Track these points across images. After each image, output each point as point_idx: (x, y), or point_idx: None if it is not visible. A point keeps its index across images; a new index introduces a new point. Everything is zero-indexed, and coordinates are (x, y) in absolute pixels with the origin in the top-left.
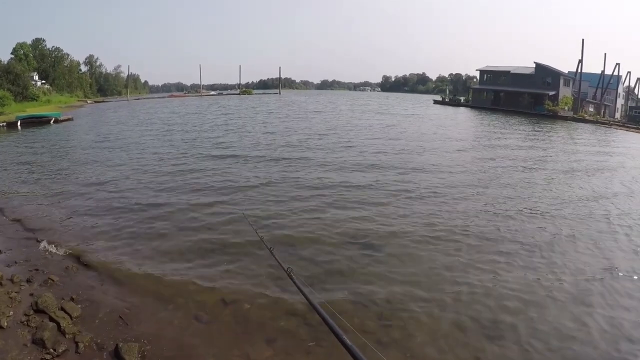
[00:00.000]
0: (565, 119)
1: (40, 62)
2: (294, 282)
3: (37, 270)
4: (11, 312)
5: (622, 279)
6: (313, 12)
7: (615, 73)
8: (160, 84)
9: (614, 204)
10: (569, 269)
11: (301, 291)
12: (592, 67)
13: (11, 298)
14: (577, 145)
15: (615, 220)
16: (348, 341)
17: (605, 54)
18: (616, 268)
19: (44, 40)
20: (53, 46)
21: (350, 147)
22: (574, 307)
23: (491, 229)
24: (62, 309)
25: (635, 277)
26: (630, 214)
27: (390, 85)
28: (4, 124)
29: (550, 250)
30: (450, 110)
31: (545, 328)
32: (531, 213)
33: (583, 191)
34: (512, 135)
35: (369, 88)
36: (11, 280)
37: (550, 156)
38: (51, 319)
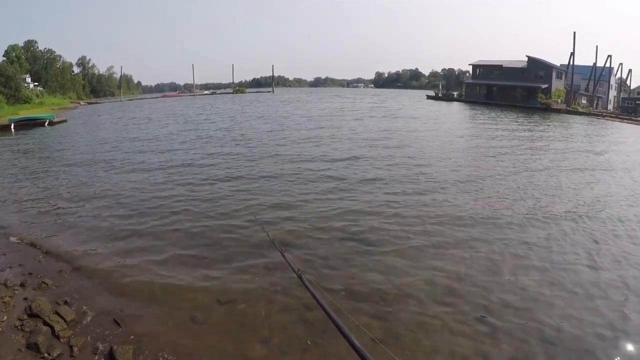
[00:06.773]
0: (558, 111)
1: (33, 64)
2: (305, 284)
3: (30, 274)
4: (5, 317)
5: None
6: (306, 9)
7: (607, 65)
8: (153, 84)
9: None
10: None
11: (311, 293)
12: (584, 59)
13: (5, 302)
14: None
15: None
16: (357, 343)
17: (597, 46)
18: None
19: (36, 42)
20: (45, 48)
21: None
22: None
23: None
24: (57, 312)
25: None
26: None
27: (384, 82)
28: None
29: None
30: (444, 105)
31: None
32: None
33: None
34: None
35: (362, 85)
36: (4, 284)
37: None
38: (45, 323)
